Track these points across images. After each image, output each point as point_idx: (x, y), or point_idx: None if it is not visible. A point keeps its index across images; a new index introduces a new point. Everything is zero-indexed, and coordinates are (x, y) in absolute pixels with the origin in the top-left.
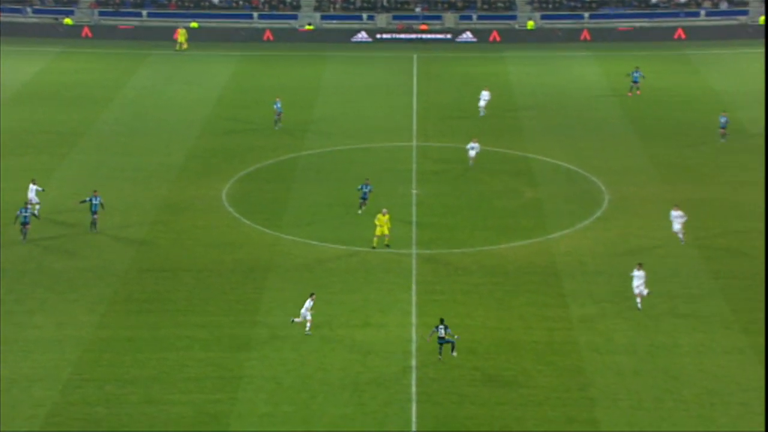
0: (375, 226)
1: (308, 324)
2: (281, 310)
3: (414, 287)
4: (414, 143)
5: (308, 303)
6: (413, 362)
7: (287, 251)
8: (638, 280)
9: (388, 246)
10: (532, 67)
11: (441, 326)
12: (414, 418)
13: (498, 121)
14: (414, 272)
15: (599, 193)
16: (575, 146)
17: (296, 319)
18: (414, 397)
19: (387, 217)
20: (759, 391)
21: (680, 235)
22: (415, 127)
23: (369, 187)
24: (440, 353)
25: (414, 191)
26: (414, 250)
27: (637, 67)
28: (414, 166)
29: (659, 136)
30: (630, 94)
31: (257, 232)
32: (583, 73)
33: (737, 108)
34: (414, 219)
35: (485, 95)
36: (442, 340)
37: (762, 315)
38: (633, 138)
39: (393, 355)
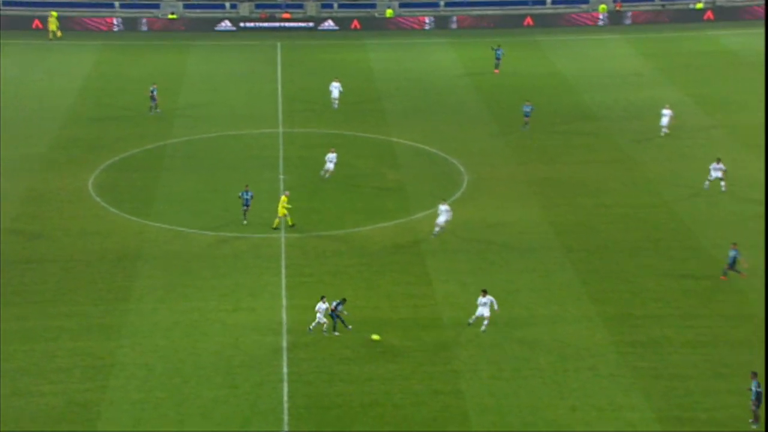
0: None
1: (325, 325)
2: (151, 297)
3: (283, 270)
4: (280, 130)
5: (321, 305)
6: (284, 343)
7: (156, 239)
8: (483, 307)
9: (293, 226)
10: (392, 53)
11: (340, 304)
12: (285, 397)
13: (361, 106)
14: (283, 256)
15: (458, 174)
16: (435, 130)
17: (312, 325)
18: (285, 377)
19: (285, 198)
20: (605, 356)
21: (437, 229)
22: (280, 114)
23: (250, 194)
24: (335, 328)
25: (281, 176)
26: (282, 234)
27: (499, 45)
28: (281, 152)
29: (513, 119)
30: (497, 71)
31: (125, 221)
32: (441, 59)
33: (583, 92)
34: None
35: (336, 86)
36: (335, 314)
37: (609, 284)
38: (489, 121)
39: (264, 337)
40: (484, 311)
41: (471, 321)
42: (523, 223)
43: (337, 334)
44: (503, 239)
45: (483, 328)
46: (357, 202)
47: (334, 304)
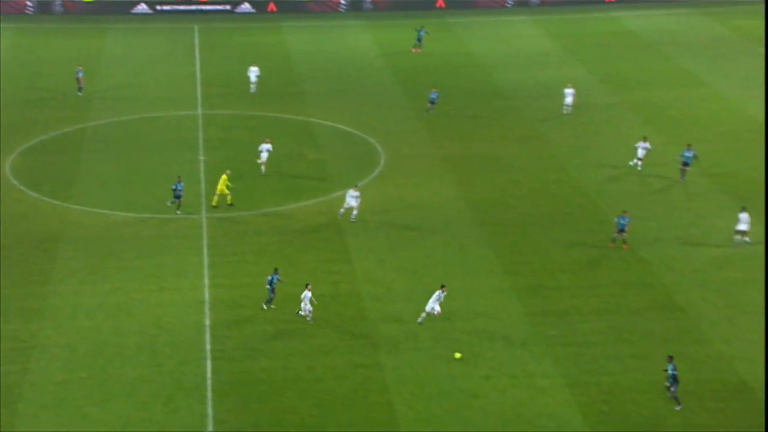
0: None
1: (310, 314)
2: (74, 279)
3: (206, 250)
4: (199, 112)
5: (307, 294)
6: (207, 322)
7: (77, 221)
8: (434, 301)
9: (231, 205)
10: (308, 36)
11: (276, 275)
12: (209, 374)
13: (280, 88)
14: (205, 236)
15: (376, 153)
16: (353, 110)
17: (300, 312)
18: (209, 354)
19: (226, 177)
20: (518, 326)
21: (355, 212)
22: (199, 96)
23: (182, 185)
24: (271, 301)
25: (201, 158)
26: (204, 215)
27: (423, 26)
28: (200, 133)
29: (427, 98)
30: (414, 50)
31: (45, 204)
32: (357, 41)
33: (495, 71)
34: (203, 185)
35: (254, 70)
36: (271, 287)
37: (521, 257)
38: (405, 101)
39: (188, 316)
40: (435, 306)
41: (429, 313)
42: (438, 199)
43: (273, 307)
44: (420, 216)
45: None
46: (278, 182)
47: (270, 278)
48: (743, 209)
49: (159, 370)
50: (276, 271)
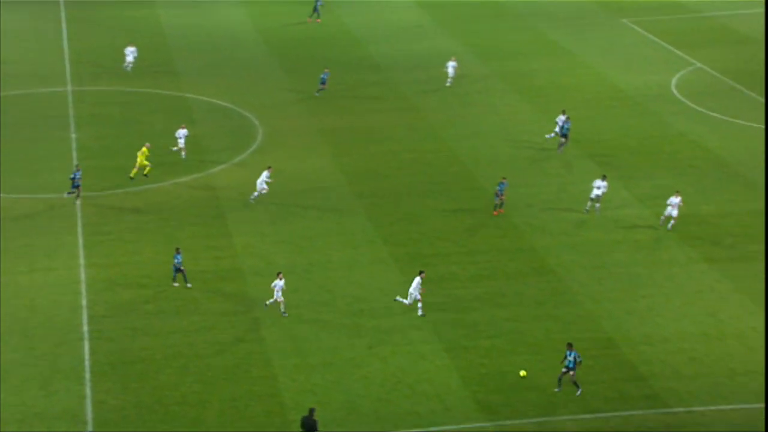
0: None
1: (282, 305)
2: None
3: (80, 230)
4: (69, 88)
5: (278, 282)
6: (83, 302)
7: None
8: (414, 288)
9: (146, 176)
10: (182, 9)
11: (178, 255)
12: (87, 355)
13: (153, 63)
14: (79, 215)
15: (253, 127)
16: (228, 84)
17: (269, 302)
18: (86, 335)
19: (146, 149)
20: (397, 292)
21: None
22: (68, 72)
23: (80, 173)
24: (175, 280)
25: (72, 135)
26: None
27: None
28: (71, 110)
29: (303, 72)
30: (309, 20)
31: None
32: (230, 15)
33: (370, 44)
34: (75, 163)
35: (131, 50)
36: (176, 269)
37: (400, 227)
38: (280, 74)
39: (62, 297)
40: (416, 294)
41: (402, 300)
42: (317, 172)
43: (189, 285)
44: (299, 188)
45: (420, 312)
46: (153, 158)
47: (176, 260)
48: (603, 177)
49: (33, 353)
50: (178, 251)
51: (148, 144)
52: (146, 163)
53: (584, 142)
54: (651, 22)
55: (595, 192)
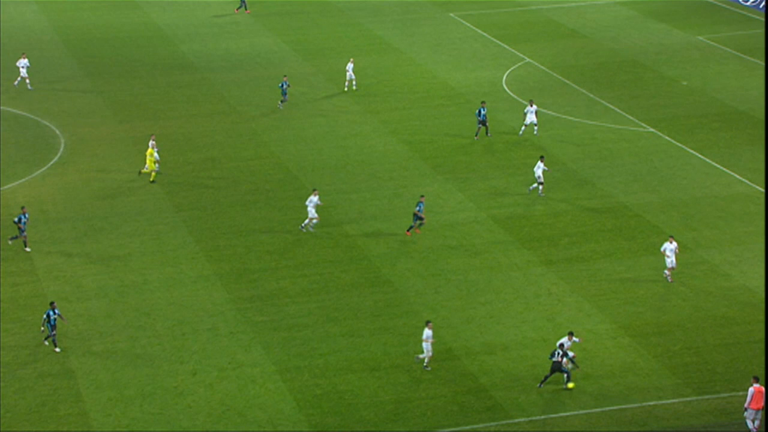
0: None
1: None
2: None
3: None
4: None
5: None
6: None
7: None
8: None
9: (153, 182)
10: None
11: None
12: None
13: None
14: None
15: (54, 137)
16: (21, 91)
17: None
18: None
19: (152, 150)
20: (224, 314)
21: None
22: None
23: (26, 216)
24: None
25: None
26: None
27: None
28: None
29: (108, 74)
30: (237, 11)
31: None
32: (24, 13)
33: (182, 42)
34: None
35: (23, 62)
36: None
37: (223, 241)
38: (82, 77)
39: None
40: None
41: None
42: (129, 184)
43: (58, 350)
44: (109, 203)
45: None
46: None
47: (52, 314)
48: (541, 158)
49: None
50: (53, 305)
51: (153, 144)
52: (152, 166)
53: (416, 144)
54: (479, 16)
55: (538, 173)
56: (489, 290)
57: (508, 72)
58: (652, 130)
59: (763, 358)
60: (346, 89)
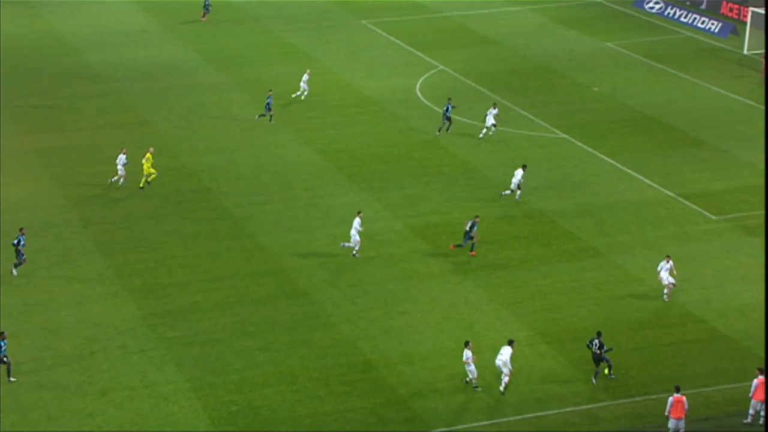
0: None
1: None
2: None
3: None
4: None
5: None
6: None
7: None
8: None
9: (148, 183)
10: None
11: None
12: None
13: None
14: None
15: None
16: None
17: None
18: None
19: (150, 155)
20: (135, 331)
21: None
22: None
23: (24, 237)
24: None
25: None
26: None
27: None
28: None
29: (9, 84)
30: (203, 18)
31: None
32: None
33: (87, 52)
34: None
35: None
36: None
37: (133, 255)
38: None
39: None
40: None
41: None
42: (35, 199)
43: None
44: (13, 219)
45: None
46: None
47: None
48: (523, 167)
49: None
50: (2, 335)
51: (151, 149)
52: (152, 171)
53: (331, 153)
54: (391, 23)
55: (514, 181)
56: (407, 300)
57: (422, 79)
58: (564, 136)
59: (676, 361)
60: (294, 95)
